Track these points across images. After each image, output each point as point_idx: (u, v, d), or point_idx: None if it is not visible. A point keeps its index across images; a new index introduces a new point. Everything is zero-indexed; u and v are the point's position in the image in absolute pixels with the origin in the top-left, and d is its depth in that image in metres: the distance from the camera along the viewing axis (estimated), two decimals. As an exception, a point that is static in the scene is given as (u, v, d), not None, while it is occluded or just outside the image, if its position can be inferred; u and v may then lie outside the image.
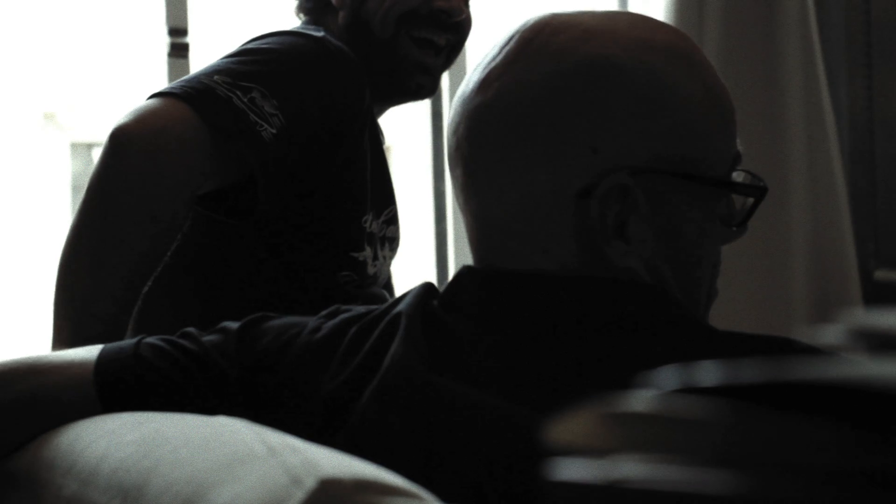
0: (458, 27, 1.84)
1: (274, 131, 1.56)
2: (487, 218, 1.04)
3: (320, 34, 1.72)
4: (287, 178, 1.64)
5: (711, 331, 1.01)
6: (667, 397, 0.45)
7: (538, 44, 1.03)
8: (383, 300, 1.65)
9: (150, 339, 1.14)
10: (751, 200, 1.08)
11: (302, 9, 1.92)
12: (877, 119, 3.17)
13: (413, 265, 1.97)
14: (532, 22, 1.05)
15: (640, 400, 0.46)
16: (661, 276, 1.02)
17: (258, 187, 1.60)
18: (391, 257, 1.90)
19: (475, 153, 1.04)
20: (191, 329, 1.16)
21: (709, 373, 0.45)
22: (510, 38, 1.05)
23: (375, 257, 1.82)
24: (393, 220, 1.89)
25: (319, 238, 1.72)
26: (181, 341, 1.13)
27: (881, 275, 3.06)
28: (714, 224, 1.05)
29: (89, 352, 1.16)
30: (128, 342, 1.16)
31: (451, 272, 2.93)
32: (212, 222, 1.67)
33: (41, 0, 8.51)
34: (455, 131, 1.06)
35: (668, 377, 0.46)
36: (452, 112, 1.07)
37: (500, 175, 1.02)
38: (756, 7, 2.94)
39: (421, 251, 3.41)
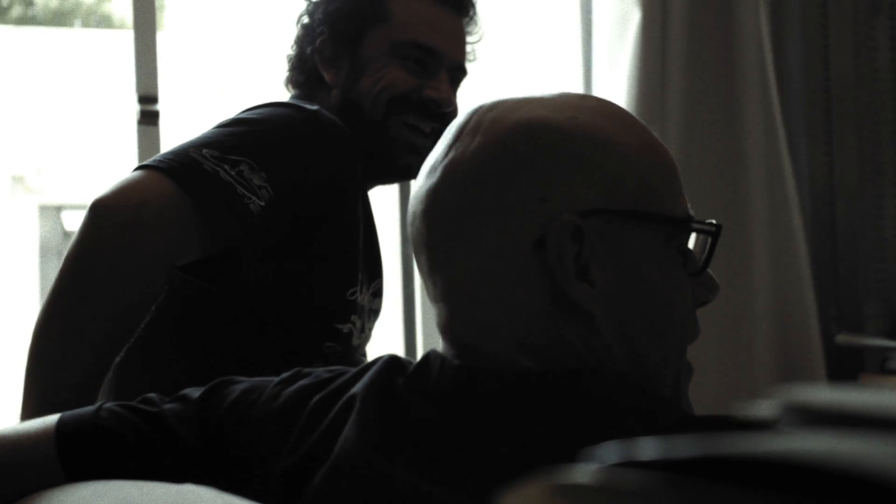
0: (445, 117, 1.88)
1: (262, 203, 1.57)
2: (453, 292, 1.05)
3: (314, 107, 1.74)
4: (273, 249, 1.65)
5: (663, 416, 1.01)
6: (608, 470, 0.48)
7: (473, 122, 1.06)
8: None
9: (110, 406, 1.15)
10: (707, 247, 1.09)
11: (292, 82, 1.95)
12: (837, 184, 3.21)
13: (382, 328, 1.98)
14: (473, 108, 1.09)
15: (583, 473, 0.48)
16: (633, 336, 1.03)
17: (242, 257, 1.61)
18: (372, 329, 1.92)
19: (433, 231, 1.05)
20: (152, 395, 1.17)
21: (648, 447, 0.48)
22: (448, 132, 1.09)
23: (362, 329, 1.83)
24: (378, 293, 1.91)
25: (303, 309, 1.72)
26: (141, 407, 1.14)
27: (843, 339, 3.08)
28: (677, 266, 1.06)
29: (48, 422, 1.16)
30: (87, 409, 1.16)
31: (420, 335, 2.94)
32: (190, 290, 1.66)
33: (10, 63, 8.53)
34: (413, 223, 1.08)
35: (609, 451, 0.49)
36: (409, 210, 1.09)
37: (458, 244, 1.03)
38: (717, 74, 2.98)
39: (389, 314, 3.42)
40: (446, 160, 1.06)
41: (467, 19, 1.95)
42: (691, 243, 1.10)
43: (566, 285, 1.00)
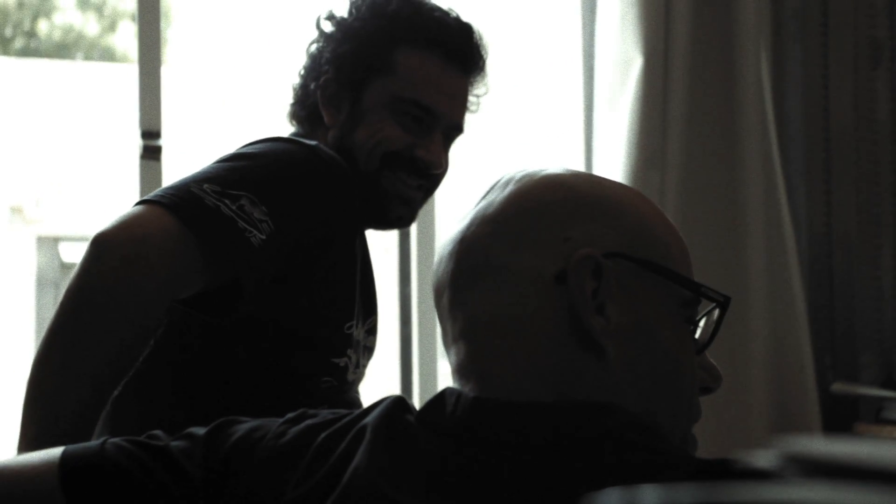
0: (433, 178, 1.91)
1: (263, 237, 1.58)
2: (471, 328, 1.08)
3: (313, 143, 1.75)
4: (274, 283, 1.66)
5: (667, 455, 1.02)
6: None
7: (506, 179, 1.13)
8: (359, 406, 1.66)
9: (116, 440, 1.15)
10: (714, 316, 1.13)
11: (295, 117, 1.96)
12: (835, 234, 3.22)
13: (378, 368, 1.99)
14: (511, 174, 1.15)
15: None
16: (643, 385, 1.05)
17: (244, 291, 1.62)
18: (366, 367, 1.92)
19: (459, 268, 1.10)
20: (157, 432, 1.17)
21: (650, 495, 0.48)
22: (484, 191, 1.15)
23: (357, 365, 1.84)
24: (373, 331, 1.91)
25: (302, 342, 1.72)
26: (148, 441, 1.15)
27: (838, 387, 3.08)
28: (686, 334, 1.10)
29: (52, 454, 1.16)
30: (92, 443, 1.17)
31: (416, 375, 2.94)
32: (188, 323, 1.67)
33: (12, 94, 8.55)
34: (438, 266, 1.13)
35: (611, 498, 0.49)
36: (436, 257, 1.15)
37: (483, 279, 1.07)
38: (718, 121, 2.99)
39: (386, 355, 3.42)
40: (477, 208, 1.12)
41: (474, 77, 1.96)
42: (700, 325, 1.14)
43: (583, 314, 1.03)
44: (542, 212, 1.08)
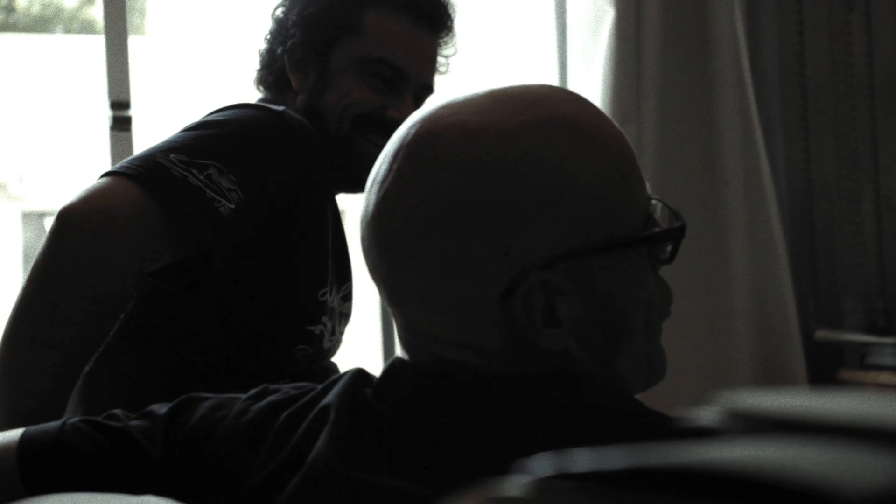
0: None
1: (232, 206, 1.56)
2: (414, 329, 1.04)
3: (280, 108, 1.73)
4: (244, 251, 1.64)
5: (616, 413, 1.00)
6: (539, 483, 0.47)
7: (424, 158, 1.01)
8: (336, 373, 1.65)
9: (74, 421, 1.14)
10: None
11: (262, 82, 1.94)
12: (814, 181, 3.21)
13: (359, 334, 1.98)
14: (413, 132, 1.03)
15: (515, 485, 0.47)
16: (594, 347, 1.03)
17: (213, 261, 1.60)
18: (343, 333, 1.91)
19: (391, 274, 1.03)
20: (117, 411, 1.16)
21: (580, 459, 0.47)
22: (396, 153, 1.03)
23: (333, 332, 1.82)
24: (348, 297, 1.90)
25: (274, 310, 1.71)
26: (106, 422, 1.14)
27: (822, 335, 3.09)
28: (642, 271, 1.05)
29: (12, 436, 1.15)
30: (51, 424, 1.15)
31: (398, 346, 2.92)
32: (159, 295, 1.65)
33: (-9, 71, 8.52)
34: (368, 253, 1.05)
35: (542, 463, 0.48)
36: (361, 230, 1.06)
37: (419, 292, 1.01)
38: (692, 71, 2.98)
39: (367, 320, 3.41)
40: (403, 202, 1.01)
41: (443, 37, 1.93)
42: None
43: (533, 336, 0.99)
44: (474, 221, 0.97)
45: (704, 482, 0.44)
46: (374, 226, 1.03)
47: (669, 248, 1.08)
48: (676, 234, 1.08)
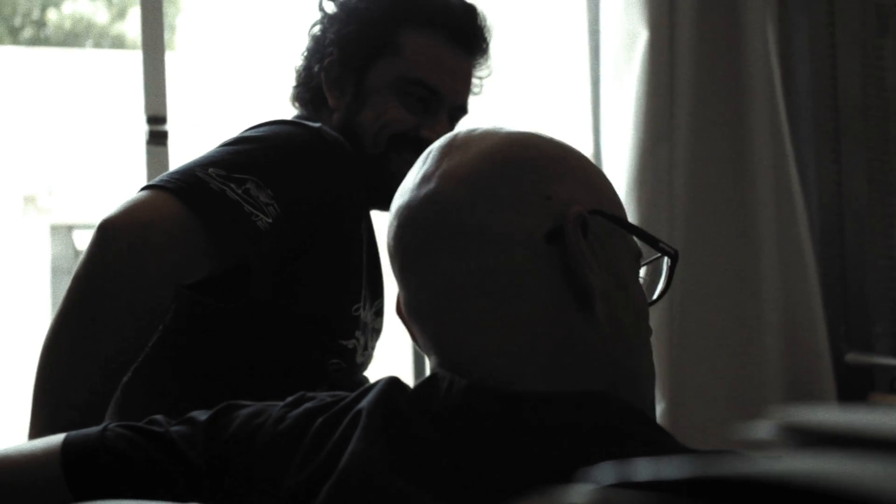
0: None
1: (269, 220, 1.58)
2: (445, 292, 1.06)
3: (317, 125, 1.75)
4: (281, 265, 1.65)
5: (658, 441, 1.01)
6: (603, 491, 0.48)
7: (461, 139, 1.11)
8: None
9: (115, 426, 1.15)
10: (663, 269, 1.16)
11: (298, 99, 1.95)
12: (846, 202, 3.20)
13: (389, 350, 1.99)
14: (444, 138, 1.14)
15: (578, 493, 0.48)
16: (619, 322, 1.06)
17: (252, 275, 1.61)
18: (374, 348, 1.92)
19: (429, 233, 1.08)
20: (158, 417, 1.17)
21: (643, 468, 0.48)
22: (432, 149, 1.13)
23: (365, 347, 1.83)
24: (380, 313, 1.91)
25: (309, 325, 1.72)
26: (148, 427, 1.15)
27: (852, 358, 3.08)
28: (639, 285, 1.12)
29: (54, 441, 1.16)
30: (92, 429, 1.16)
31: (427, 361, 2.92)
32: (196, 308, 1.66)
33: (22, 83, 8.56)
34: (399, 233, 1.11)
35: (605, 472, 0.49)
36: (394, 223, 1.12)
37: (461, 237, 1.06)
38: (725, 92, 2.97)
39: (397, 336, 3.41)
40: (440, 171, 1.09)
41: (478, 59, 1.95)
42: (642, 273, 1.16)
43: (584, 273, 1.03)
44: (519, 170, 1.07)
45: (766, 492, 0.45)
46: (420, 200, 1.09)
47: (643, 270, 1.15)
48: (672, 254, 1.15)
